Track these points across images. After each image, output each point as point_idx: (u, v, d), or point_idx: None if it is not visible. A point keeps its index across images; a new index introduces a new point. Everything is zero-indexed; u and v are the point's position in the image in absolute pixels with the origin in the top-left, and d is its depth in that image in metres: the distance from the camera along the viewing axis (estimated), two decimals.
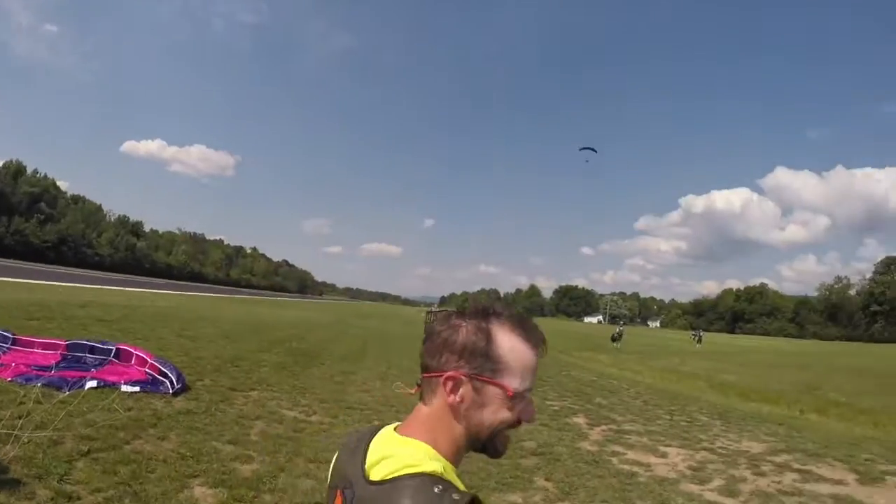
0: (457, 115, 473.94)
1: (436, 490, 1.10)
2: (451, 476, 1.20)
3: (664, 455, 9.95)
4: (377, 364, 18.56)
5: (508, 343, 1.28)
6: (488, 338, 1.27)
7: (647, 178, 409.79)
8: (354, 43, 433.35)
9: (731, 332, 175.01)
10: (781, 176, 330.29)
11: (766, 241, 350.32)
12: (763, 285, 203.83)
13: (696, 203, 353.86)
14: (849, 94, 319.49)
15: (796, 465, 9.66)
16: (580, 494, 7.42)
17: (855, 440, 12.39)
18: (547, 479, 7.90)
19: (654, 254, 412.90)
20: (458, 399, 1.25)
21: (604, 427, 12.05)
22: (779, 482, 8.66)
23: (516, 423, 1.29)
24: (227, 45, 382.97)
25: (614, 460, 9.35)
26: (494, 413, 1.26)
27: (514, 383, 1.26)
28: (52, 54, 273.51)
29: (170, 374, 9.93)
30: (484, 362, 1.25)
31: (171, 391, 9.51)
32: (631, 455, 9.79)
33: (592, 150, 45.23)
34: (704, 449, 10.58)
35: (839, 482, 8.83)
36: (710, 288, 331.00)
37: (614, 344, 50.31)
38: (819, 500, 7.85)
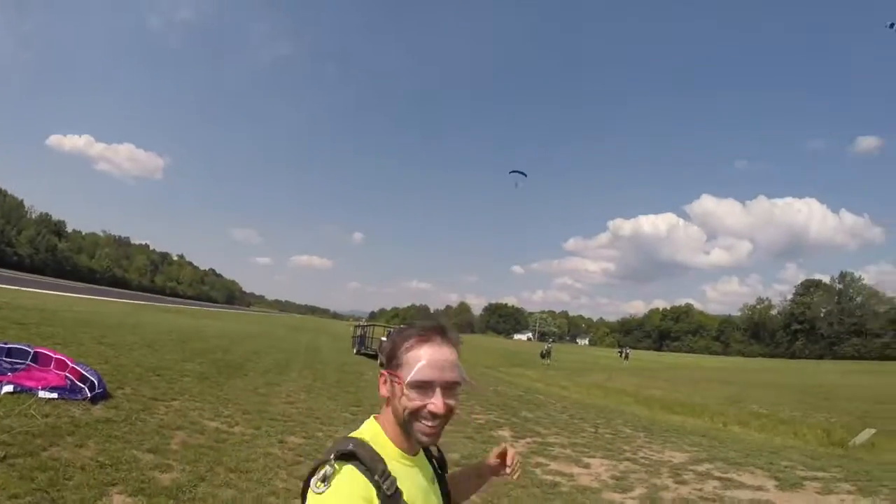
0: (388, 131, 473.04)
1: (342, 444, 1.61)
2: (378, 442, 1.66)
3: (587, 466, 10.18)
4: (303, 377, 18.49)
5: (405, 345, 1.70)
6: (394, 344, 1.74)
7: (577, 200, 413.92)
8: (293, 51, 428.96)
9: (658, 349, 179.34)
10: (707, 203, 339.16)
11: (691, 263, 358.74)
12: (689, 305, 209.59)
13: (624, 226, 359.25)
14: (777, 127, 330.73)
15: (718, 474, 9.96)
16: (503, 503, 7.53)
17: (775, 449, 12.90)
18: None
19: (583, 274, 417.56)
20: (386, 392, 1.74)
21: (528, 440, 12.23)
22: (700, 489, 8.91)
23: (420, 408, 1.64)
24: (162, 42, 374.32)
25: (538, 471, 9.48)
26: (401, 400, 1.66)
27: (407, 375, 1.65)
28: None
29: (91, 378, 9.68)
30: (393, 362, 1.71)
31: (89, 396, 9.28)
32: (554, 466, 9.97)
33: (522, 174, 45.02)
34: (627, 459, 10.85)
35: (759, 488, 9.14)
36: (637, 307, 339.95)
37: (544, 360, 51.44)
38: None
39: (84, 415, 8.46)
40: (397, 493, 1.56)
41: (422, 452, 1.80)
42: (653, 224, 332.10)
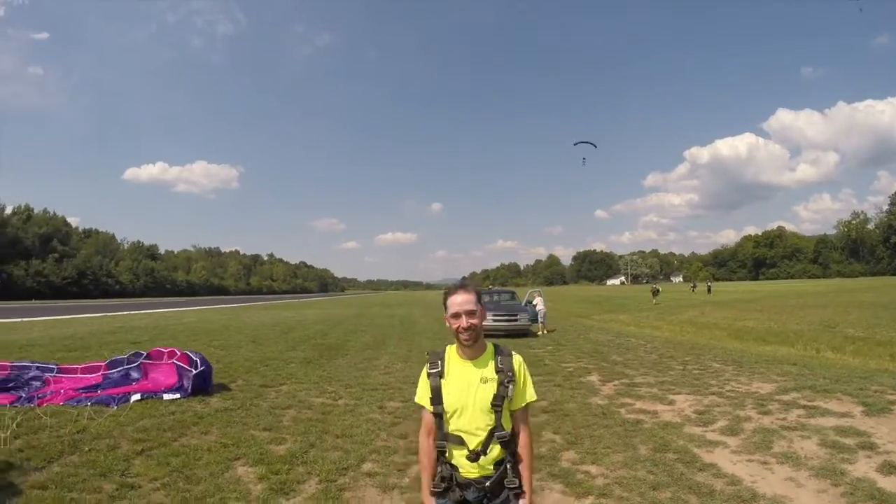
0: (451, 95, 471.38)
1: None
2: (449, 351, 3.05)
3: (671, 403, 10.22)
4: (399, 349, 19.23)
5: (446, 299, 3.02)
6: (443, 299, 3.04)
7: (649, 133, 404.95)
8: (337, 40, 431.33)
9: (755, 278, 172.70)
10: (784, 117, 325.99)
11: (777, 183, 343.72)
12: (781, 228, 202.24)
13: (702, 154, 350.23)
14: (839, 29, 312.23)
15: (803, 402, 9.72)
16: (585, 443, 7.79)
17: (868, 373, 12.37)
18: (555, 433, 8.35)
19: (668, 208, 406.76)
20: (447, 325, 3.00)
21: (616, 382, 12.38)
22: (783, 419, 8.75)
23: (457, 328, 2.91)
24: (209, 60, 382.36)
25: (622, 411, 9.66)
26: (449, 326, 2.97)
27: (448, 312, 2.97)
28: (40, 96, 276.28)
29: (194, 358, 11.04)
30: (445, 308, 3.02)
31: (193, 373, 10.61)
32: (639, 405, 10.09)
33: (591, 144, 42.33)
34: (713, 394, 10.75)
35: (845, 415, 8.82)
36: (728, 237, 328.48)
37: (654, 299, 52.41)
38: (821, 433, 7.85)
39: (204, 408, 9.62)
40: (437, 373, 2.98)
41: (485, 360, 2.97)
42: (731, 147, 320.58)
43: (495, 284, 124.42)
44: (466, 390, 2.90)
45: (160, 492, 5.90)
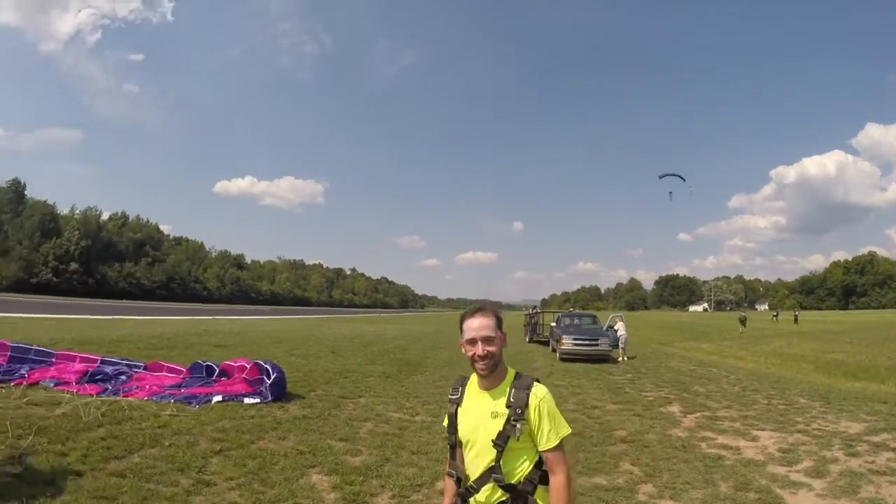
0: (534, 112, 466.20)
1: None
2: (471, 379, 2.88)
3: (755, 439, 9.85)
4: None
5: (462, 323, 2.84)
6: (460, 324, 2.87)
7: (733, 153, 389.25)
8: (421, 57, 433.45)
9: (844, 307, 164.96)
10: (873, 132, 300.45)
11: (868, 204, 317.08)
12: (872, 253, 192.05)
13: (788, 173, 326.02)
14: None
15: (894, 445, 9.20)
16: (663, 477, 7.63)
17: None
18: (633, 464, 8.20)
19: (753, 232, 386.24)
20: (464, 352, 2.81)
21: (697, 414, 12.05)
22: (872, 462, 8.30)
23: (472, 355, 2.72)
24: (296, 78, 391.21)
25: (703, 445, 9.39)
26: (465, 353, 2.78)
27: (463, 338, 2.78)
28: (136, 112, 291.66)
29: (266, 367, 11.22)
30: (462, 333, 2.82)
31: (268, 383, 10.81)
32: (721, 440, 9.78)
33: (679, 177, 38.47)
34: (799, 431, 10.32)
35: None
36: (816, 262, 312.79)
37: (742, 328, 51.28)
38: None
39: (283, 414, 9.77)
40: (455, 399, 2.86)
41: (501, 391, 2.74)
42: (819, 165, 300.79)
43: (576, 307, 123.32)
44: (477, 425, 2.73)
45: (235, 491, 6.01)
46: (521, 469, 2.68)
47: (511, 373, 2.82)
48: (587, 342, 23.84)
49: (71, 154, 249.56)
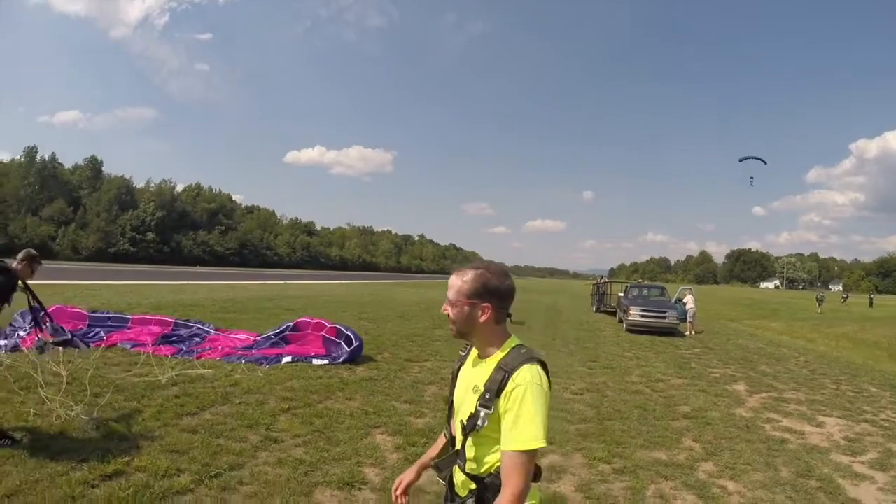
0: (605, 86, 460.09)
1: None
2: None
3: (821, 424, 9.60)
4: (543, 335, 19.14)
5: None
6: None
7: (811, 124, 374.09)
8: (489, 28, 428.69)
9: None
10: None
11: None
12: None
13: (870, 147, 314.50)
14: None
15: None
16: (724, 456, 7.49)
17: None
18: (695, 441, 8.09)
19: (831, 208, 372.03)
20: None
21: (763, 395, 11.78)
22: None
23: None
24: (362, 51, 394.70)
25: (767, 427, 9.20)
26: None
27: None
28: (207, 89, 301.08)
29: (346, 333, 11.62)
30: None
31: (347, 350, 11.12)
32: (786, 423, 9.56)
33: (761, 160, 35.47)
34: (866, 421, 10.01)
35: None
36: None
37: (819, 308, 50.49)
38: None
39: (351, 375, 10.04)
40: (461, 358, 2.51)
41: (489, 366, 2.25)
42: None
43: (644, 279, 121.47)
44: (463, 393, 2.35)
45: (301, 448, 6.21)
46: (491, 460, 2.22)
47: (510, 344, 2.32)
48: (655, 314, 23.46)
49: (145, 131, 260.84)
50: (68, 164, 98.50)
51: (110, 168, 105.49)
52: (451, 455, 2.35)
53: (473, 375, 2.30)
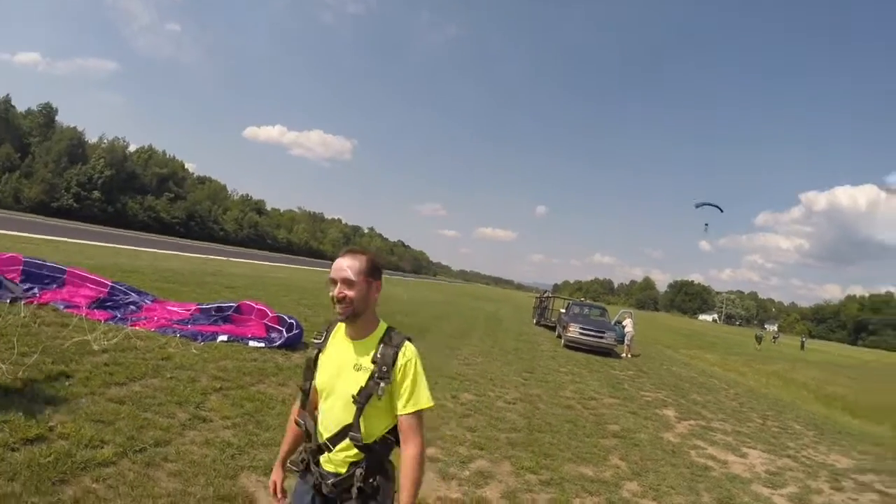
0: (571, 103, 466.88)
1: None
2: (340, 325, 2.67)
3: (745, 455, 9.98)
4: (482, 343, 19.36)
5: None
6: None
7: (765, 169, 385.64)
8: (461, 33, 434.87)
9: (853, 343, 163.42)
10: None
11: (894, 244, 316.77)
12: (890, 294, 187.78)
13: (819, 200, 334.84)
14: None
15: (881, 487, 9.26)
16: (649, 477, 7.69)
17: None
18: (622, 459, 8.29)
19: (775, 252, 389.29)
20: None
21: (692, 422, 12.15)
22: (855, 500, 8.45)
23: (332, 296, 2.51)
24: (337, 35, 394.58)
25: (693, 453, 9.49)
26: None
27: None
28: (176, 50, 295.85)
29: (289, 321, 11.56)
30: None
31: (286, 336, 11.04)
32: (711, 451, 9.88)
33: (717, 207, 36.22)
34: (789, 456, 10.50)
35: None
36: (832, 292, 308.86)
37: (758, 346, 52.81)
38: None
39: (286, 361, 9.91)
40: (318, 344, 2.70)
41: (370, 344, 2.58)
42: (850, 197, 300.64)
43: (587, 298, 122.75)
44: (337, 373, 2.56)
45: (229, 430, 6.13)
46: (379, 429, 2.55)
47: (382, 326, 2.67)
48: (593, 333, 23.79)
49: (105, 84, 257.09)
50: (21, 108, 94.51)
51: (64, 118, 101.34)
52: (336, 435, 2.54)
53: (350, 355, 2.58)
